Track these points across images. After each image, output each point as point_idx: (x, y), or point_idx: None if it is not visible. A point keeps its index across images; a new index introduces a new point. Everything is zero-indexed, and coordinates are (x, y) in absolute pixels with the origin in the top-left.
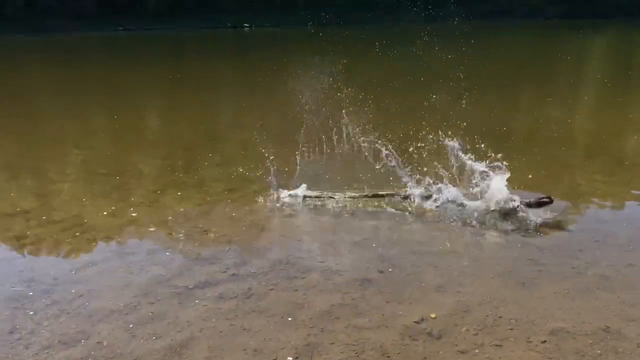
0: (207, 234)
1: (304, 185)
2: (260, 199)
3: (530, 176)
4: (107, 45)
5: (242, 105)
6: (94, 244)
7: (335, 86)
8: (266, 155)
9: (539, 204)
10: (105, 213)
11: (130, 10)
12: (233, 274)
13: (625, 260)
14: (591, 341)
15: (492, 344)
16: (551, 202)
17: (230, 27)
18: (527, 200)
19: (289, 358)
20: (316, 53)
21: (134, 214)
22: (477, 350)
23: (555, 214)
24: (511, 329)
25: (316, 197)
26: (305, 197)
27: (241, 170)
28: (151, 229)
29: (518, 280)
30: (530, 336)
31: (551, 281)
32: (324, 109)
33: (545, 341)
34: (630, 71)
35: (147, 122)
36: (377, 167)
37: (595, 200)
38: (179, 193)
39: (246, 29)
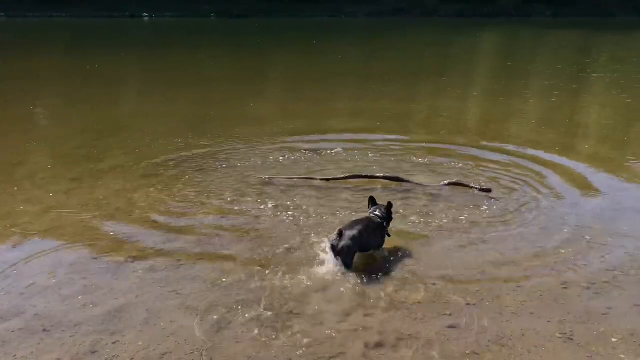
0: (131, 215)
1: (221, 164)
2: (179, 183)
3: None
4: None
5: (145, 95)
6: (18, 232)
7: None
8: (180, 142)
9: (483, 190)
10: (28, 203)
11: None
12: (162, 249)
13: (501, 221)
14: (471, 282)
15: (395, 290)
16: (490, 191)
17: (129, 17)
18: (480, 186)
19: (222, 311)
20: (215, 45)
21: (53, 203)
22: (382, 294)
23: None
24: (407, 278)
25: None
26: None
27: (156, 156)
28: (75, 214)
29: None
30: (425, 280)
31: (443, 239)
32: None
33: (435, 284)
34: (510, 62)
35: (46, 113)
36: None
37: (477, 178)
38: (98, 180)
39: (145, 18)
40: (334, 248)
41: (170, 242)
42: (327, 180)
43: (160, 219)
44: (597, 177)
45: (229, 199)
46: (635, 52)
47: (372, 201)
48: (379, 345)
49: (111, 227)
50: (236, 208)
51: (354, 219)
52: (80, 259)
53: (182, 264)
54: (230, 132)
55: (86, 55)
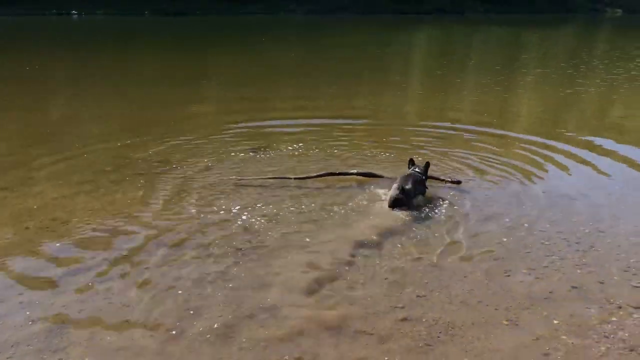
0: (68, 224)
1: (162, 167)
2: (119, 188)
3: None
4: None
5: (77, 97)
6: None
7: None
8: (118, 145)
9: (453, 182)
10: None
11: None
12: (105, 258)
13: (447, 211)
14: (421, 274)
15: (348, 286)
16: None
17: (55, 14)
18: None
19: (173, 320)
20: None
21: None
22: (328, 293)
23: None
24: (361, 273)
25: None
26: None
27: (93, 161)
28: (7, 226)
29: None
30: (374, 275)
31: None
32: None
33: (386, 278)
34: (445, 60)
35: None
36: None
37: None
38: (30, 189)
39: (74, 16)
40: (396, 200)
41: (113, 250)
42: (302, 179)
43: (100, 226)
44: (533, 166)
45: (172, 202)
46: (563, 47)
47: (412, 162)
48: (335, 341)
49: (46, 238)
50: (182, 212)
51: (402, 175)
52: (15, 274)
53: (127, 273)
54: (170, 133)
55: (7, 56)
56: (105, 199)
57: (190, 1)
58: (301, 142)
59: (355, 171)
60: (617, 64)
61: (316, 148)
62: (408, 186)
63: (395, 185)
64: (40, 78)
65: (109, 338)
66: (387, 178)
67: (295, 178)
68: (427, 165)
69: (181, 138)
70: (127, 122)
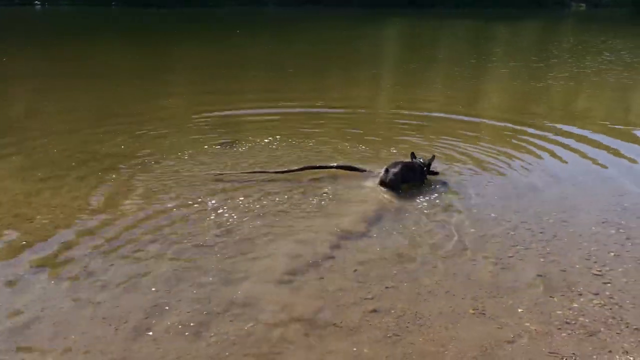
0: (32, 221)
1: (131, 163)
2: (84, 185)
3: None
4: None
5: (41, 90)
6: None
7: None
8: (84, 141)
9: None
10: None
11: None
12: (68, 257)
13: (415, 204)
14: (390, 265)
15: (318, 279)
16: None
17: (18, 4)
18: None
19: (139, 317)
20: (118, 36)
21: None
22: (299, 286)
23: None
24: (331, 265)
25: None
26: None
27: (58, 157)
28: None
29: None
30: (345, 268)
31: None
32: None
33: (356, 270)
34: (423, 52)
35: None
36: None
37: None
38: None
39: (37, 7)
40: (383, 182)
41: (76, 248)
42: (282, 172)
43: (64, 223)
44: (499, 158)
45: (140, 198)
46: (532, 40)
47: (413, 155)
48: (304, 335)
49: (9, 236)
50: (150, 207)
51: (395, 161)
52: None
53: (90, 271)
54: (139, 127)
55: None
56: (70, 195)
57: None
58: (274, 134)
59: (335, 164)
60: (585, 57)
61: (290, 140)
62: (394, 170)
63: (384, 169)
64: (1, 70)
65: (73, 337)
66: (369, 171)
67: (275, 172)
68: (432, 157)
69: (150, 132)
70: (94, 116)
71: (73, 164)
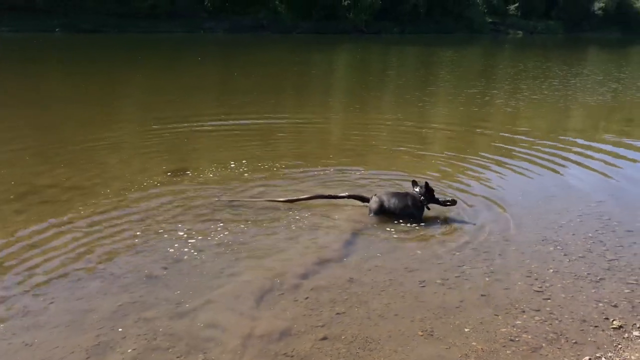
0: None
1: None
2: (20, 218)
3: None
4: None
5: None
6: None
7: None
8: (23, 173)
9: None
10: None
11: None
12: (5, 294)
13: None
14: (340, 290)
15: (268, 308)
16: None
17: None
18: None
19: (81, 358)
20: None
21: None
22: (251, 315)
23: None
24: (282, 294)
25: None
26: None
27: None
28: None
29: None
30: (296, 295)
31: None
32: None
33: (307, 297)
34: (371, 77)
35: None
36: None
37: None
38: None
39: None
40: (369, 209)
41: (13, 286)
42: (292, 201)
43: (1, 258)
44: (444, 180)
45: (82, 232)
46: (468, 66)
47: (414, 183)
48: None
49: None
50: (92, 241)
51: (393, 190)
52: None
53: (29, 310)
54: (82, 157)
55: None
56: (8, 229)
57: (106, 18)
58: (230, 160)
59: (346, 194)
60: (527, 80)
61: (245, 165)
62: (384, 198)
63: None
64: None
65: None
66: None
67: (284, 201)
68: (425, 184)
69: (95, 162)
70: (35, 146)
71: (11, 197)
